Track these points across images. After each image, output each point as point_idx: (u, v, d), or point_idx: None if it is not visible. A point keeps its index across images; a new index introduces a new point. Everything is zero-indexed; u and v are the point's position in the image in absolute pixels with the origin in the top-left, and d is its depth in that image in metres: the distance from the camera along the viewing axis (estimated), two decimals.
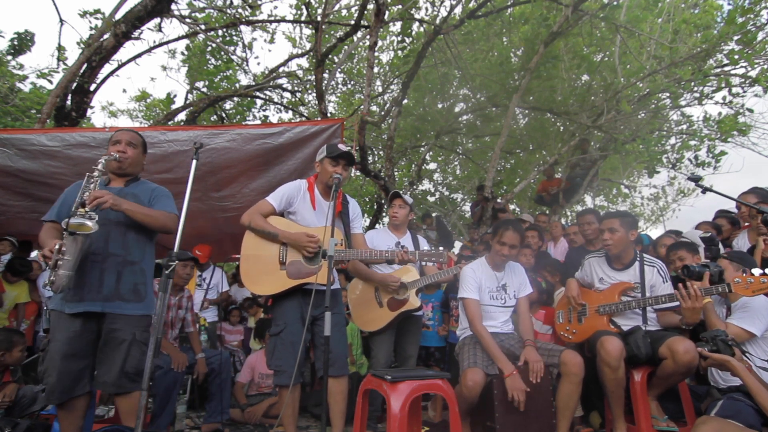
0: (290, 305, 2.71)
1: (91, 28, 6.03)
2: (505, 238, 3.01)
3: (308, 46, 9.17)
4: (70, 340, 2.27)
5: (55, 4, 6.61)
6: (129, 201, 2.36)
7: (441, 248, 2.83)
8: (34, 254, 5.71)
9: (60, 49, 6.20)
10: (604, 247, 3.04)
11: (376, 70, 9.36)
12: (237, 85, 8.89)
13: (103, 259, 2.34)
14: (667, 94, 6.96)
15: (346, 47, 8.39)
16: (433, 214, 9.97)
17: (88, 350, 2.33)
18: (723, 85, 6.42)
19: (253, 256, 2.75)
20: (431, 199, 12.29)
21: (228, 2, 7.23)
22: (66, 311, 2.29)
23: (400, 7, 6.73)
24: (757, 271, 2.33)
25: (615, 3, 6.41)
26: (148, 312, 2.46)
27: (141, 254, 2.48)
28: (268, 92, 8.78)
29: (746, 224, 3.69)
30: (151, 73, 38.56)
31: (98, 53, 5.42)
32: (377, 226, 10.20)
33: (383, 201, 9.01)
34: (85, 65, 5.47)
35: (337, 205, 2.80)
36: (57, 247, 2.12)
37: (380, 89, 10.10)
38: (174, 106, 8.51)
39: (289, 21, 8.07)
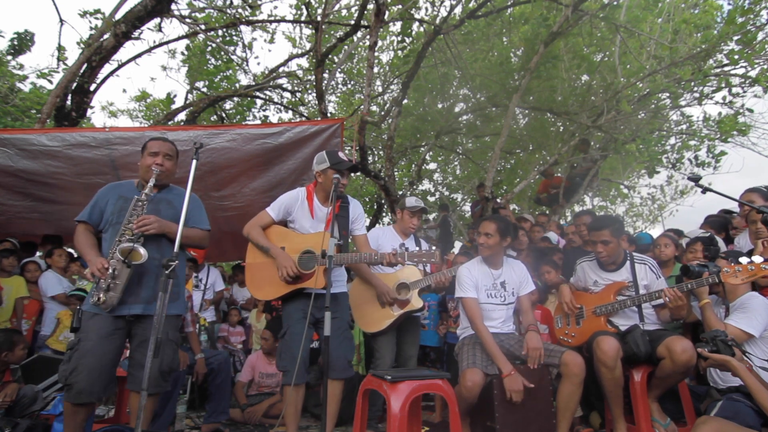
0: (294, 308, 2.80)
1: (91, 28, 6.03)
2: (480, 227, 3.06)
3: (308, 46, 9.17)
4: (104, 340, 2.32)
5: (55, 4, 6.59)
6: (168, 220, 2.46)
7: (434, 248, 2.76)
8: (37, 255, 5.70)
9: (60, 49, 6.20)
10: (599, 258, 3.05)
11: (376, 70, 9.36)
12: (237, 85, 8.89)
13: (141, 263, 2.39)
14: (667, 94, 6.96)
15: (346, 47, 8.39)
16: (433, 216, 9.97)
17: (118, 352, 2.41)
18: (723, 85, 6.42)
19: (256, 264, 2.89)
20: (431, 199, 12.29)
21: (228, 2, 7.22)
22: (104, 313, 2.35)
23: (400, 7, 6.73)
24: (744, 260, 2.34)
25: (615, 3, 6.41)
26: (181, 312, 2.59)
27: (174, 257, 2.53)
28: (268, 92, 8.78)
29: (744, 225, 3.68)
30: (151, 73, 38.57)
31: (98, 53, 5.42)
32: (377, 225, 10.19)
33: (383, 201, 9.01)
34: (85, 65, 5.47)
35: (335, 208, 2.84)
36: (111, 271, 2.25)
37: (380, 89, 10.10)
38: (174, 106, 8.51)
39: (289, 21, 8.07)
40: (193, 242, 2.63)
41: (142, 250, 2.27)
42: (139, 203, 2.44)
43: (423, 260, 2.67)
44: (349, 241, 3.05)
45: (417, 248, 3.52)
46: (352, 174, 3.14)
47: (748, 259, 2.33)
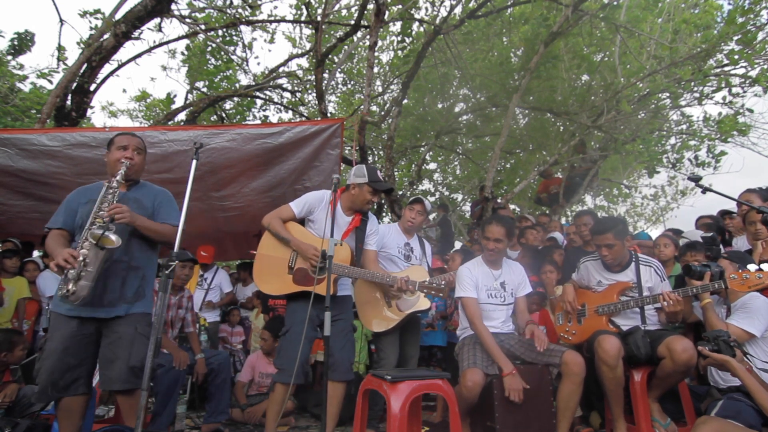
0: (298, 307, 2.79)
1: (91, 28, 6.03)
2: (488, 232, 3.04)
3: (308, 46, 9.17)
4: (65, 339, 2.28)
5: (55, 4, 6.60)
6: (138, 214, 2.40)
7: (443, 283, 2.97)
8: (36, 255, 5.71)
9: (60, 49, 6.19)
10: (605, 261, 3.04)
11: (376, 70, 9.36)
12: (237, 85, 8.89)
13: (108, 265, 2.34)
14: (667, 94, 6.96)
15: (346, 47, 8.39)
16: (432, 217, 9.95)
17: (85, 351, 2.34)
18: (723, 85, 6.42)
19: (267, 256, 2.90)
20: (431, 199, 12.29)
21: (228, 2, 7.22)
22: (65, 313, 2.30)
23: (400, 7, 6.73)
24: (752, 267, 2.34)
25: (615, 3, 6.40)
26: (148, 310, 2.50)
27: (145, 260, 2.50)
28: (268, 92, 8.77)
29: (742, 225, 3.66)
30: (151, 73, 38.56)
31: (98, 53, 5.42)
32: (378, 224, 10.15)
33: (383, 201, 9.00)
34: (85, 65, 5.47)
35: (356, 221, 2.94)
36: (81, 259, 2.15)
37: (380, 89, 10.09)
38: (174, 106, 8.50)
39: (289, 21, 8.07)
40: (164, 238, 2.48)
41: (114, 237, 2.18)
42: (110, 190, 2.37)
43: (432, 293, 2.81)
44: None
45: (420, 249, 3.57)
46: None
47: (756, 267, 2.33)
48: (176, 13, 6.08)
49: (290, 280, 2.81)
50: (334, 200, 2.75)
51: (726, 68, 6.45)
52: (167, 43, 7.18)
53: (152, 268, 2.58)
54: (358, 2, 7.30)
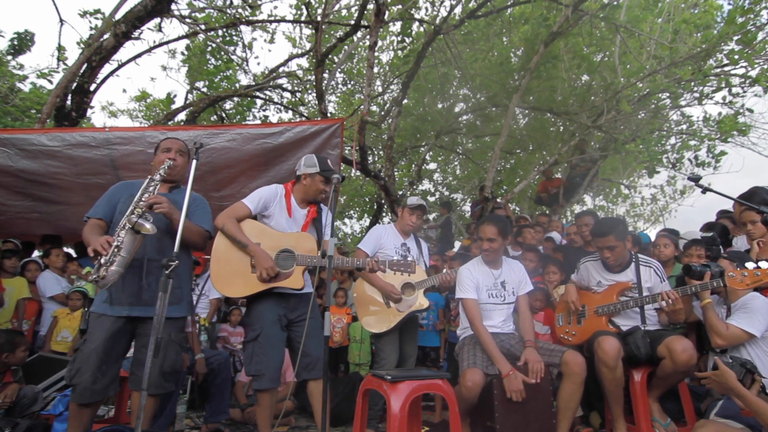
0: (266, 308, 2.71)
1: (91, 28, 6.02)
2: (481, 232, 3.04)
3: (308, 46, 9.17)
4: (104, 341, 2.33)
5: (55, 4, 6.58)
6: (176, 209, 2.44)
7: (409, 258, 3.02)
8: (35, 255, 5.70)
9: (60, 49, 6.19)
10: (607, 262, 3.03)
11: (376, 70, 9.36)
12: (237, 85, 8.88)
13: (140, 264, 2.42)
14: (667, 94, 6.96)
15: (346, 47, 8.39)
16: (434, 216, 9.95)
17: (121, 353, 2.43)
18: (723, 85, 6.43)
19: (225, 258, 2.73)
20: (431, 199, 12.29)
21: (228, 2, 7.22)
22: (109, 313, 2.37)
23: (400, 7, 6.73)
24: (750, 265, 2.34)
25: (615, 3, 6.41)
26: (184, 314, 2.58)
27: (176, 259, 2.51)
28: (268, 92, 8.77)
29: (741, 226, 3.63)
30: (151, 73, 38.53)
31: (98, 53, 5.42)
32: (378, 224, 10.16)
33: (383, 201, 9.01)
34: (85, 65, 5.46)
35: (313, 212, 2.89)
36: (115, 243, 2.20)
37: (380, 89, 10.10)
38: (174, 106, 8.50)
39: (289, 21, 8.07)
40: (192, 237, 2.53)
41: (149, 225, 2.21)
42: (152, 182, 2.45)
43: (401, 269, 2.81)
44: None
45: (417, 248, 3.57)
46: (353, 171, 3.16)
47: (755, 265, 2.33)
48: (176, 13, 6.08)
49: (255, 278, 2.67)
50: (335, 199, 2.74)
51: (726, 68, 6.46)
52: (167, 43, 7.18)
53: (187, 271, 2.65)
54: (358, 2, 7.30)
